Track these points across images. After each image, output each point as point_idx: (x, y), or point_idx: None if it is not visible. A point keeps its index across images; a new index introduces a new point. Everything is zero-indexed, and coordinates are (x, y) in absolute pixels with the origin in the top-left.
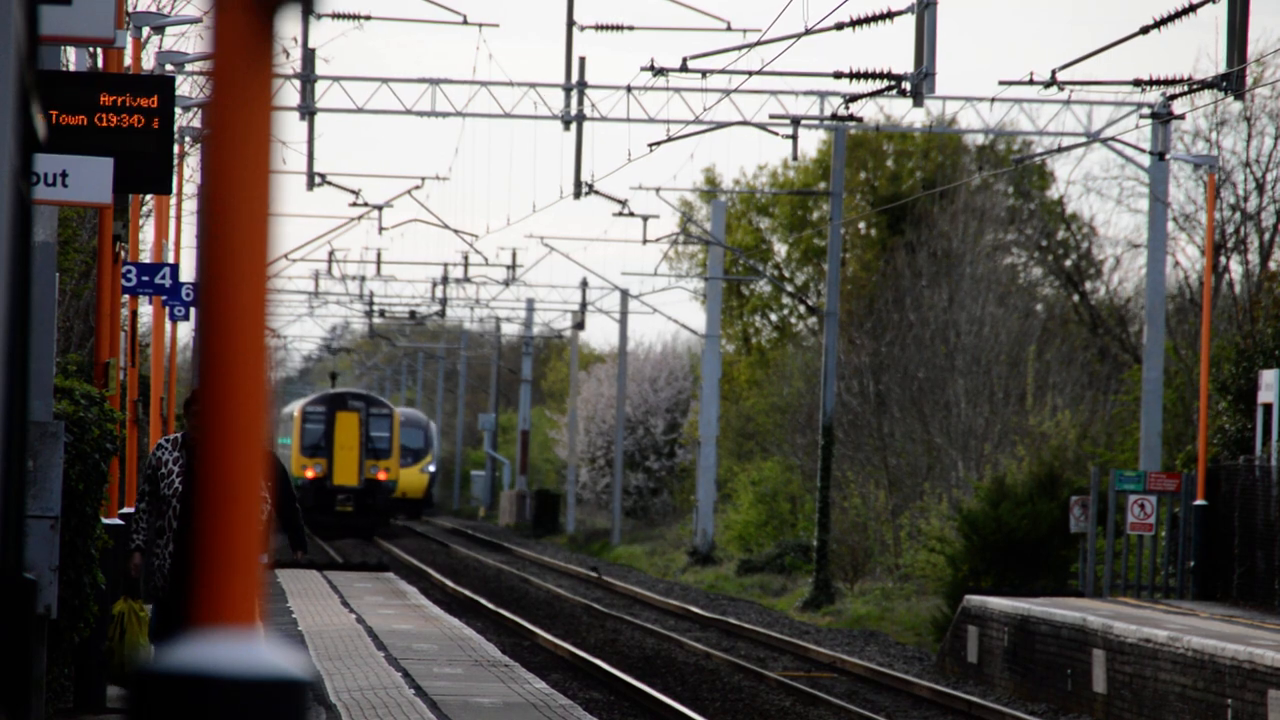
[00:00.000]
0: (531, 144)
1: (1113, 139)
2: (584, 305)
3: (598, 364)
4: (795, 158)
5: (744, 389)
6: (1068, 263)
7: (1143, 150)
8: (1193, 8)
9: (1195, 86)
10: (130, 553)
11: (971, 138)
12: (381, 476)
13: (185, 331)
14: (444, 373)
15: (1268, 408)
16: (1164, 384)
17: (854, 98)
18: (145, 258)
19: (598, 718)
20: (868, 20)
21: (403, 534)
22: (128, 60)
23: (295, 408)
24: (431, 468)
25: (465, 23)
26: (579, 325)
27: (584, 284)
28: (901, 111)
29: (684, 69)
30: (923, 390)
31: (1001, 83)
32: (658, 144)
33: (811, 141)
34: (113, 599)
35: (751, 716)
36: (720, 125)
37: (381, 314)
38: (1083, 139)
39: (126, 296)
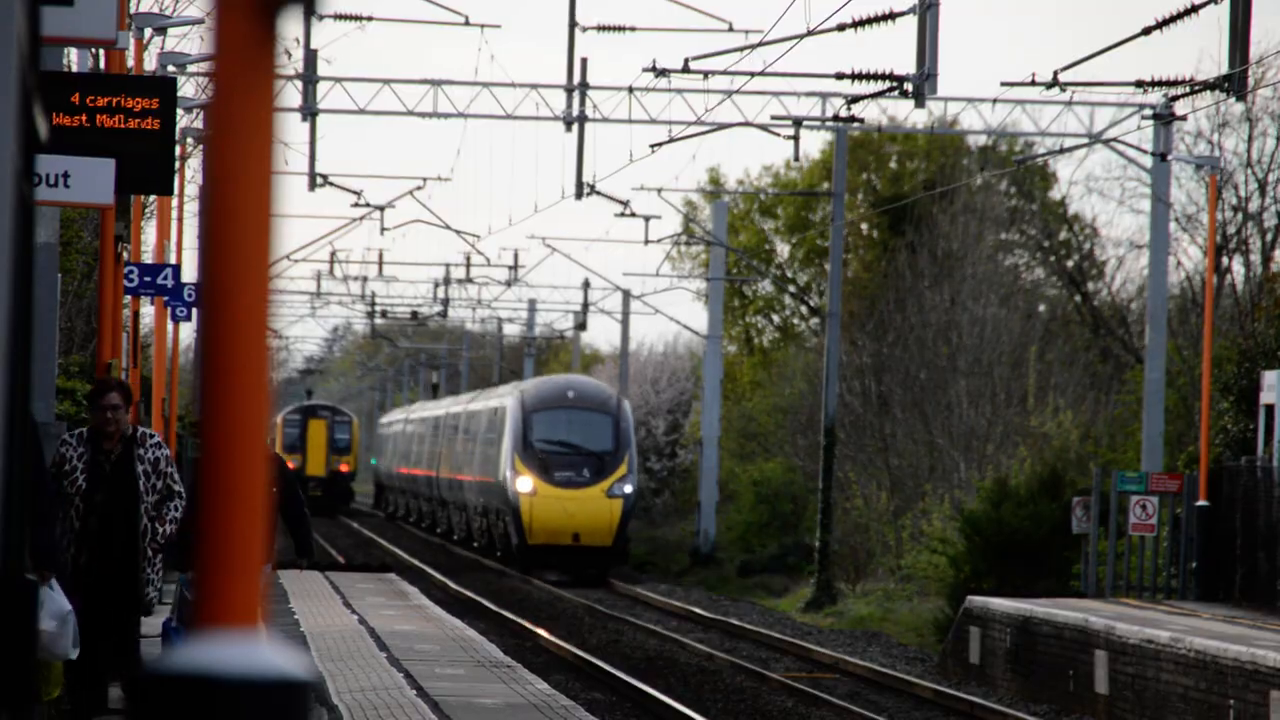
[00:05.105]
0: (533, 145)
1: (1114, 140)
2: (586, 306)
3: (599, 365)
4: (797, 158)
5: (746, 390)
6: (1070, 263)
7: (1144, 151)
8: (1195, 8)
9: (1197, 87)
10: None
11: (973, 138)
12: (343, 469)
13: (187, 332)
14: (446, 374)
15: (1270, 408)
16: (1166, 385)
17: (856, 99)
18: (147, 259)
19: (600, 719)
20: (869, 21)
21: (405, 535)
22: (130, 61)
23: (277, 416)
24: (628, 488)
25: (467, 24)
26: (581, 326)
27: (586, 285)
28: (903, 112)
29: (686, 70)
30: (925, 391)
31: (1003, 84)
32: (659, 145)
33: (814, 142)
34: None
35: (753, 717)
36: (722, 126)
37: (383, 314)
38: (1084, 140)
39: (128, 297)
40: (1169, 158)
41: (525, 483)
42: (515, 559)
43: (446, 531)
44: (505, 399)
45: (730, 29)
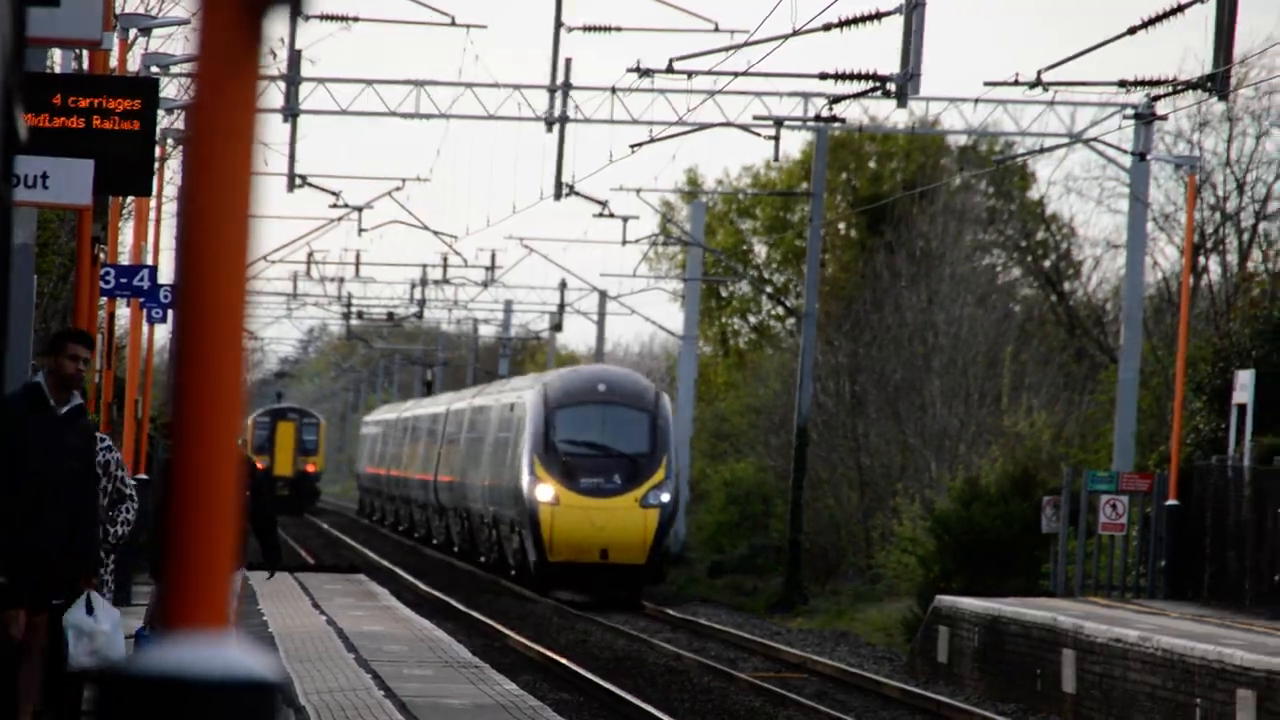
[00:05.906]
0: (514, 145)
1: (1094, 139)
2: (562, 306)
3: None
4: (777, 158)
5: (721, 390)
6: (1046, 263)
7: (1124, 151)
8: (1181, 8)
9: (1180, 87)
10: None
11: (954, 138)
12: (309, 469)
13: (162, 334)
14: (421, 374)
15: (1242, 408)
16: (1140, 384)
17: (838, 99)
18: (124, 259)
19: (567, 719)
20: (856, 21)
21: (375, 536)
22: (114, 62)
23: (248, 418)
24: (665, 496)
25: (453, 24)
26: (556, 327)
27: (562, 285)
28: (885, 112)
29: (670, 70)
30: (899, 391)
31: (986, 83)
32: (639, 145)
33: (795, 142)
34: None
35: (721, 717)
36: (703, 126)
37: (359, 315)
38: (1065, 140)
39: (104, 299)
40: (1148, 157)
41: (546, 490)
42: (532, 578)
43: (445, 543)
44: (523, 393)
45: (716, 29)
